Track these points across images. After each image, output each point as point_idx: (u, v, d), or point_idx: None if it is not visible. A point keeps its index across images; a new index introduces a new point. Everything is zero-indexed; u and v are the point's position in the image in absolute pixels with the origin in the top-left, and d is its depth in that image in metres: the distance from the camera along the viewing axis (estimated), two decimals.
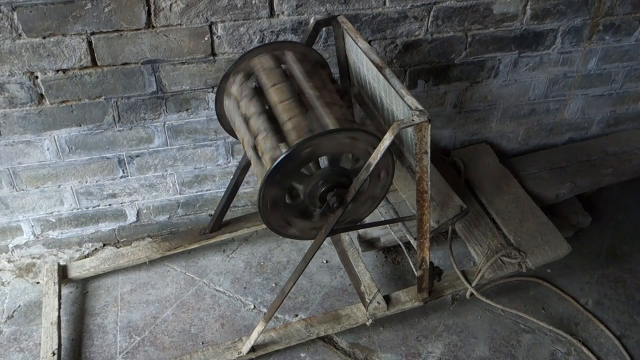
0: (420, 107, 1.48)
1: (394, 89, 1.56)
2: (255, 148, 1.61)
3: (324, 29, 1.94)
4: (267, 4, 1.91)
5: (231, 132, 1.90)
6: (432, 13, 2.10)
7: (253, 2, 1.89)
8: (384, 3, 2.02)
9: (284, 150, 1.49)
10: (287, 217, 1.59)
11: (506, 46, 2.28)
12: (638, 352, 2.02)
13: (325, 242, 2.33)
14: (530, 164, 2.52)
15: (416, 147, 1.52)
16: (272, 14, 1.94)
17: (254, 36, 1.97)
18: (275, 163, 1.43)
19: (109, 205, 2.26)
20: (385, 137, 1.46)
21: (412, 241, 1.99)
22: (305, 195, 1.56)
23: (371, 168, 1.49)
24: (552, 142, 2.72)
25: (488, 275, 2.06)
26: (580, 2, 2.24)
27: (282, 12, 1.95)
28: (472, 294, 2.06)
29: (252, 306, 2.14)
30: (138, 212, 2.32)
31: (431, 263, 1.89)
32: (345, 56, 1.93)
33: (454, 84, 2.34)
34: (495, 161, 2.48)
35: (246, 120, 1.67)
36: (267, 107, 1.65)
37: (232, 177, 2.12)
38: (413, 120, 1.45)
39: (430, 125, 1.47)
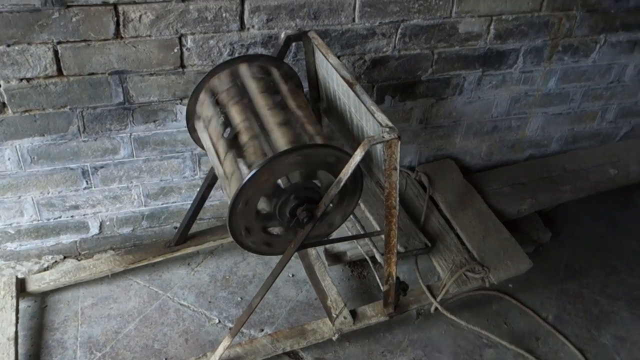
0: (390, 124, 1.51)
1: (365, 105, 1.58)
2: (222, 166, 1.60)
3: (294, 43, 1.95)
4: (237, 18, 1.91)
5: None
6: (399, 30, 2.14)
7: (223, 15, 1.89)
8: (354, 20, 2.05)
9: (245, 170, 1.49)
10: (256, 232, 1.59)
11: (471, 64, 2.34)
12: None
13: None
14: (493, 180, 2.58)
15: (385, 163, 1.54)
16: (242, 27, 1.94)
17: (223, 49, 1.97)
18: (240, 185, 1.43)
19: (71, 216, 2.21)
20: (356, 153, 1.47)
21: (378, 256, 2.01)
22: (276, 210, 1.56)
23: (341, 184, 1.50)
24: (514, 159, 2.79)
25: (453, 290, 2.09)
26: (541, 24, 2.31)
27: (253, 26, 1.95)
28: (436, 308, 2.09)
29: (217, 321, 2.12)
30: (101, 224, 2.27)
31: (397, 278, 1.91)
32: (315, 71, 1.94)
33: (420, 100, 2.38)
34: (459, 177, 2.53)
35: (212, 140, 1.66)
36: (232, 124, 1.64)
37: (198, 189, 2.10)
38: (383, 137, 1.47)
39: (400, 142, 1.49)
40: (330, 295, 2.05)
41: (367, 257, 2.18)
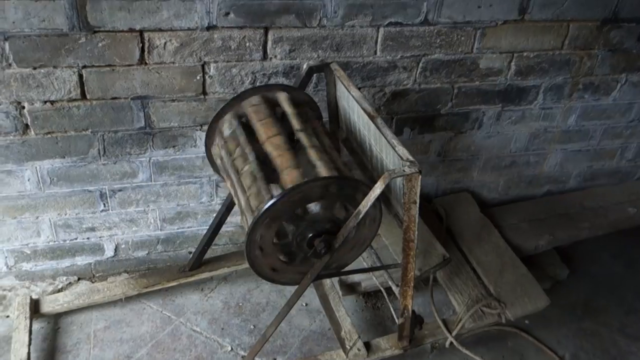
0: (411, 157, 1.51)
1: (386, 138, 1.58)
2: (244, 191, 1.60)
3: (315, 74, 1.97)
4: (260, 48, 1.94)
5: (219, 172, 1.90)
6: (420, 64, 2.15)
7: (247, 44, 1.92)
8: (375, 52, 2.07)
9: (275, 193, 1.49)
10: (273, 262, 1.59)
11: (490, 99, 2.34)
12: None
13: None
14: (510, 214, 2.56)
15: (405, 196, 1.54)
16: (265, 57, 1.97)
17: (245, 77, 1.99)
18: (265, 207, 1.43)
19: (87, 238, 2.21)
20: (376, 185, 1.47)
21: (393, 287, 1.99)
22: (294, 240, 1.55)
23: (360, 216, 1.50)
24: (531, 194, 2.78)
25: (468, 325, 2.06)
26: (562, 62, 2.32)
27: (275, 56, 1.97)
28: (451, 343, 2.06)
29: (230, 348, 2.10)
30: (116, 246, 2.28)
31: (413, 311, 1.88)
32: (336, 102, 1.95)
33: (438, 133, 2.38)
34: (476, 210, 2.51)
35: (235, 167, 1.67)
36: (257, 154, 1.65)
37: (215, 215, 2.11)
38: (404, 171, 1.47)
39: (420, 177, 1.49)
40: (344, 326, 2.03)
41: (382, 289, 2.16)
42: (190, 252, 2.39)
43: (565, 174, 2.76)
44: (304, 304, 2.29)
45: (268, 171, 1.58)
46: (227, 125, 1.76)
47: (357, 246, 1.70)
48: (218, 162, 1.81)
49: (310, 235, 1.54)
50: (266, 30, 1.91)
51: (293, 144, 1.64)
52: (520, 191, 2.75)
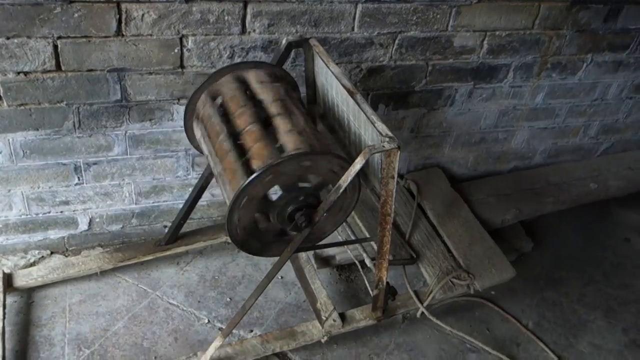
0: (390, 134, 1.54)
1: (365, 114, 1.61)
2: (223, 169, 1.62)
3: (293, 50, 1.98)
4: (239, 21, 1.93)
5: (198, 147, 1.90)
6: (397, 41, 2.18)
7: (226, 18, 1.91)
8: (353, 29, 2.09)
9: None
10: (257, 235, 1.61)
11: (463, 77, 2.40)
12: None
13: None
14: (479, 189, 2.64)
15: (383, 171, 1.58)
16: (243, 31, 1.96)
17: (224, 51, 1.98)
18: (241, 187, 1.45)
19: (61, 212, 2.19)
20: (357, 160, 1.51)
21: (367, 261, 2.05)
22: (275, 214, 1.58)
23: (341, 190, 1.54)
24: (499, 169, 2.86)
25: (439, 296, 2.14)
26: (532, 41, 2.38)
27: (254, 30, 1.97)
28: (422, 313, 2.13)
29: (207, 320, 2.13)
30: (90, 220, 2.26)
31: (387, 283, 1.95)
32: (314, 77, 1.97)
33: (412, 109, 2.43)
34: (447, 185, 2.58)
35: (212, 141, 1.68)
36: (233, 130, 1.66)
37: (192, 189, 2.11)
38: (384, 147, 1.51)
39: (399, 152, 1.53)
40: (320, 298, 2.08)
41: (356, 262, 2.22)
42: (165, 226, 2.40)
43: (531, 150, 2.85)
44: (280, 277, 2.33)
45: (242, 150, 1.60)
46: (202, 105, 1.77)
47: (336, 218, 1.74)
48: (198, 136, 1.82)
49: (291, 209, 1.57)
50: (245, 3, 1.90)
51: (268, 123, 1.65)
52: (488, 167, 2.83)
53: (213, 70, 2.00)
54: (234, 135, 1.62)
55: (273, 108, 1.65)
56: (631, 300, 2.48)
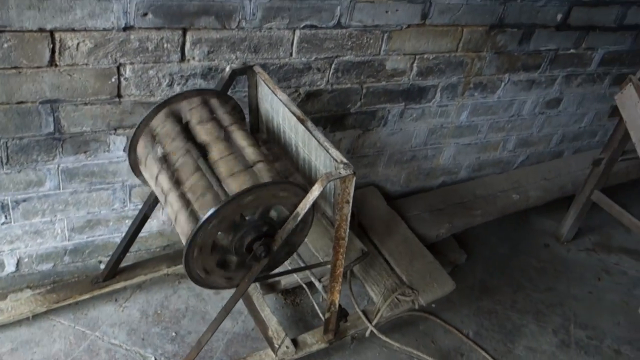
0: (345, 160, 1.57)
1: (318, 141, 1.63)
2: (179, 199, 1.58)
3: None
4: (178, 49, 1.90)
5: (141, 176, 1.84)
6: (333, 65, 2.22)
7: (165, 46, 1.87)
8: (291, 54, 2.11)
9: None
10: (209, 267, 1.58)
11: (395, 98, 2.48)
12: None
13: None
14: (413, 206, 2.74)
15: (339, 197, 1.60)
16: (183, 58, 1.93)
17: (163, 79, 1.94)
18: (214, 210, 1.43)
19: None
20: (314, 188, 1.52)
21: (316, 283, 2.06)
22: (232, 246, 1.56)
23: (299, 218, 1.54)
24: (428, 185, 2.98)
25: (386, 314, 2.19)
26: (456, 63, 2.51)
27: (193, 58, 1.94)
28: (371, 332, 2.17)
29: (153, 358, 2.05)
30: (18, 261, 2.11)
31: (339, 305, 1.96)
32: (257, 104, 1.97)
33: (348, 131, 2.48)
34: (383, 204, 2.65)
35: (160, 186, 1.64)
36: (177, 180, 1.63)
37: (132, 221, 2.04)
38: (340, 173, 1.53)
39: (354, 178, 1.56)
40: (271, 325, 2.06)
41: (304, 286, 2.22)
42: (100, 262, 2.28)
43: (457, 165, 2.99)
44: None
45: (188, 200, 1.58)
46: (143, 146, 1.72)
47: (289, 246, 1.74)
48: (143, 162, 1.75)
49: (250, 239, 1.56)
50: (184, 31, 1.87)
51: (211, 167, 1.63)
52: (419, 183, 2.94)
53: (152, 99, 1.95)
54: (179, 184, 1.59)
55: (215, 151, 1.63)
56: (556, 303, 2.66)
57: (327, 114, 2.37)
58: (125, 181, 2.10)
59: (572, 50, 2.83)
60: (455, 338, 2.37)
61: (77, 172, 2.00)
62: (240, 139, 1.68)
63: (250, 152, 1.65)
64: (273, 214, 1.62)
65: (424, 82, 2.50)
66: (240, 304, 2.28)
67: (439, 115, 2.68)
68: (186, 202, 1.54)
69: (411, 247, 2.45)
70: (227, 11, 1.89)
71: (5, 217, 1.97)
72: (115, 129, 1.97)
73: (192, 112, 1.74)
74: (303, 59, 2.14)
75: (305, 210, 1.53)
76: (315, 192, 1.51)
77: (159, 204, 2.01)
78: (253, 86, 1.92)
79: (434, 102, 2.61)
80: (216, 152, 1.61)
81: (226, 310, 1.68)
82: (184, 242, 1.53)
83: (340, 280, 1.85)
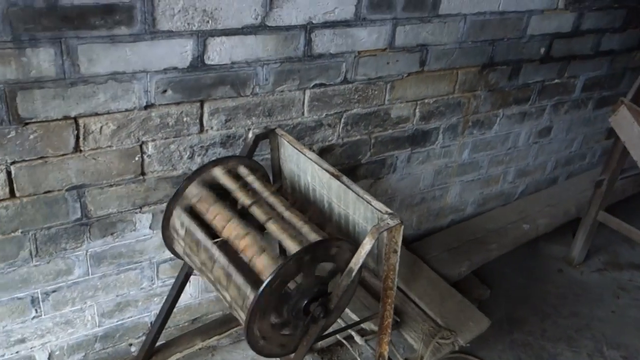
0: (389, 210, 1.59)
1: (357, 194, 1.65)
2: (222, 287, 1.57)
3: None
4: (197, 121, 1.92)
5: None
6: (342, 120, 2.27)
7: (184, 119, 1.89)
8: (303, 113, 2.15)
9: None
10: (267, 334, 1.55)
11: (401, 145, 2.54)
12: None
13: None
14: (431, 247, 2.76)
15: (386, 247, 1.61)
16: (201, 130, 1.95)
17: (184, 152, 1.95)
18: (251, 307, 1.42)
19: (16, 352, 1.95)
20: (365, 241, 1.53)
21: (357, 339, 2.04)
22: (290, 312, 1.54)
23: (353, 273, 1.54)
24: (439, 225, 3.01)
25: (429, 359, 2.17)
26: (454, 104, 2.60)
27: (212, 128, 1.96)
28: None
29: None
30: (50, 355, 2.04)
31: (389, 358, 1.94)
32: (279, 165, 1.99)
33: (361, 181, 2.51)
34: (402, 249, 2.66)
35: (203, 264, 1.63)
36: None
37: (165, 299, 1.99)
38: (389, 224, 1.55)
39: (402, 227, 1.58)
40: None
41: (344, 341, 2.19)
42: (130, 344, 2.22)
43: (463, 202, 3.04)
44: None
45: (237, 261, 1.57)
46: (179, 223, 1.72)
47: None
48: (178, 235, 1.73)
49: (305, 302, 1.54)
50: (202, 103, 1.89)
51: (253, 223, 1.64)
52: (430, 224, 2.97)
53: (174, 172, 1.96)
54: (228, 249, 1.59)
55: (261, 213, 1.64)
56: (583, 327, 2.68)
57: (340, 167, 2.39)
58: (152, 258, 2.07)
59: (556, 80, 2.96)
60: None
61: (105, 255, 1.97)
62: (278, 204, 1.69)
63: (289, 215, 1.66)
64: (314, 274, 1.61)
65: (427, 126, 2.57)
66: None
67: (442, 155, 2.74)
68: (240, 264, 1.53)
69: (438, 289, 2.45)
70: (242, 79, 1.93)
71: (36, 310, 1.91)
72: (141, 207, 1.95)
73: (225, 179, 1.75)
74: (314, 116, 2.19)
75: (359, 265, 1.53)
76: (367, 245, 1.52)
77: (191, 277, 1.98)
78: (275, 149, 1.95)
79: (438, 143, 2.67)
80: (260, 214, 1.62)
81: None
82: (239, 310, 1.51)
83: (389, 331, 1.84)
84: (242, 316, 1.54)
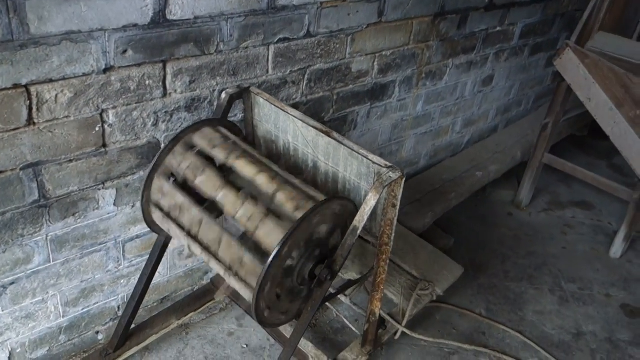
0: (389, 163, 1.53)
1: (352, 150, 1.58)
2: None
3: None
4: (160, 84, 1.75)
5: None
6: (306, 76, 2.17)
7: (147, 83, 1.71)
8: (268, 71, 2.03)
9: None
10: (272, 304, 1.47)
11: (362, 100, 2.47)
12: (541, 340, 2.34)
13: (234, 325, 2.19)
14: None
15: (385, 201, 1.56)
16: (165, 93, 1.78)
17: (147, 119, 1.78)
18: (262, 274, 1.33)
19: None
20: (369, 197, 1.47)
21: (342, 298, 2.00)
22: (294, 278, 1.46)
23: (358, 232, 1.48)
24: None
25: (412, 311, 2.17)
26: (410, 56, 2.56)
27: (175, 91, 1.80)
28: (401, 333, 2.14)
29: None
30: (10, 353, 1.84)
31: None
32: (253, 127, 1.87)
33: None
34: None
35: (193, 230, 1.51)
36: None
37: (139, 279, 1.85)
38: (391, 177, 1.49)
39: (404, 180, 1.53)
40: (309, 352, 1.97)
41: (328, 304, 2.14)
42: (97, 332, 2.05)
43: (417, 155, 3.05)
44: (245, 345, 2.15)
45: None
46: (162, 187, 1.58)
47: None
48: (161, 223, 1.60)
49: (311, 266, 1.47)
50: (164, 63, 1.73)
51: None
52: None
53: (138, 142, 1.79)
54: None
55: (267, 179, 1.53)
56: (540, 264, 2.79)
57: None
58: (117, 237, 1.91)
59: (498, 28, 3.00)
60: (471, 319, 2.41)
61: (67, 239, 1.78)
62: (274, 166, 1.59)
63: (286, 176, 1.57)
64: (317, 236, 1.54)
65: (385, 79, 2.52)
66: (261, 339, 2.16)
67: (399, 109, 2.72)
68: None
69: (409, 241, 2.45)
70: (206, 36, 1.77)
71: None
72: (104, 183, 1.77)
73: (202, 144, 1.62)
74: (279, 74, 2.07)
75: (363, 223, 1.47)
76: (371, 201, 1.46)
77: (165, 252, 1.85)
78: (249, 109, 1.82)
79: (394, 97, 2.64)
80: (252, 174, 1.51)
81: (293, 345, 1.57)
82: (242, 276, 1.41)
83: (382, 288, 1.80)
84: (244, 284, 1.44)
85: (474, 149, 3.29)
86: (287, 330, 2.02)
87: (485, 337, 2.33)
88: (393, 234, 1.65)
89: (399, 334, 2.14)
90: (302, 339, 1.99)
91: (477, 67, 3.05)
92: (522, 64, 3.41)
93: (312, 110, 2.29)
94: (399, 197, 1.56)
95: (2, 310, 1.74)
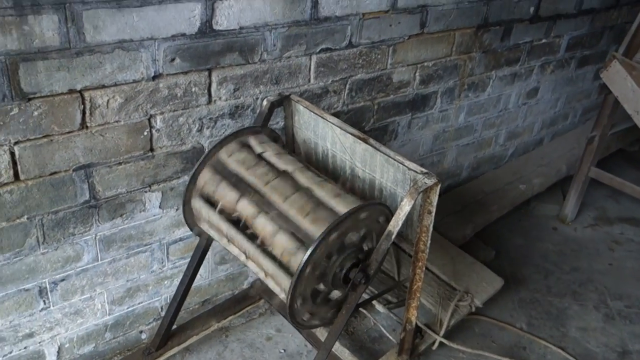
0: (424, 170, 1.55)
1: (388, 156, 1.60)
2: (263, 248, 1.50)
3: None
4: (205, 91, 1.82)
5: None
6: (347, 86, 2.21)
7: (193, 90, 1.78)
8: (309, 80, 2.07)
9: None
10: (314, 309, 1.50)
11: (403, 110, 2.49)
12: (584, 357, 2.28)
13: (272, 330, 2.22)
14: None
15: (421, 208, 1.57)
16: (210, 100, 1.85)
17: (192, 125, 1.85)
18: (305, 259, 1.36)
19: (25, 348, 1.83)
20: (404, 203, 1.48)
21: (379, 307, 2.01)
22: (329, 280, 1.49)
23: (393, 236, 1.50)
24: None
25: (450, 321, 2.16)
26: (452, 67, 2.57)
27: (220, 98, 1.87)
28: (439, 343, 2.12)
29: None
30: (59, 348, 1.92)
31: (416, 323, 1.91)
32: (293, 133, 1.92)
33: None
34: None
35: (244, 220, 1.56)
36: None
37: (181, 281, 1.91)
38: (426, 183, 1.50)
39: (439, 186, 1.54)
40: (345, 358, 1.98)
41: (365, 312, 2.15)
42: (141, 331, 2.12)
43: (459, 167, 3.04)
44: (282, 350, 2.18)
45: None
46: (210, 181, 1.63)
47: None
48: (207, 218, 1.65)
49: (346, 269, 1.49)
50: (210, 71, 1.79)
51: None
52: None
53: (183, 147, 1.86)
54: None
55: (302, 178, 1.58)
56: (585, 280, 2.72)
57: None
58: (162, 239, 1.98)
59: (543, 40, 2.97)
60: (512, 333, 2.37)
61: (115, 239, 1.86)
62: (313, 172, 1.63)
63: (325, 182, 1.60)
64: (351, 240, 1.56)
65: (426, 90, 2.53)
66: (298, 345, 2.18)
67: (440, 120, 2.72)
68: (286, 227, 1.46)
69: (449, 252, 2.44)
70: (250, 45, 1.84)
71: (44, 302, 1.80)
72: (150, 185, 1.85)
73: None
74: (321, 83, 2.11)
75: (398, 227, 1.48)
76: (406, 207, 1.48)
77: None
78: (289, 116, 1.87)
79: (436, 107, 2.64)
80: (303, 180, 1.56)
81: (327, 349, 1.59)
82: (280, 274, 1.44)
83: (418, 295, 1.81)
84: (282, 283, 1.47)
85: (518, 161, 3.25)
86: (323, 336, 2.04)
87: (526, 352, 2.28)
88: (429, 241, 1.65)
89: (436, 344, 2.13)
90: (339, 345, 2.02)
91: (521, 79, 3.02)
92: (569, 77, 3.36)
93: (353, 120, 2.32)
94: (435, 203, 1.57)
95: (53, 306, 1.83)
